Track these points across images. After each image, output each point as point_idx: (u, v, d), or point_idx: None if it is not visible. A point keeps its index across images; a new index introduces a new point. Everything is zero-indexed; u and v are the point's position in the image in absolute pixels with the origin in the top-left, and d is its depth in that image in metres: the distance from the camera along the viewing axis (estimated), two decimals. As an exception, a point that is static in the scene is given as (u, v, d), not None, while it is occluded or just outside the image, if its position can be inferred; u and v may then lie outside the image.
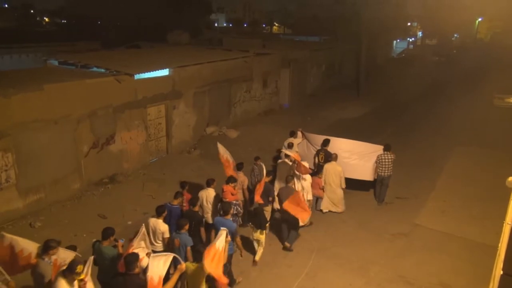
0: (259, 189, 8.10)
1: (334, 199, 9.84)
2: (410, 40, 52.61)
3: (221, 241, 5.49)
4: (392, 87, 24.33)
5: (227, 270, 6.47)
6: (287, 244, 8.23)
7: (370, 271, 7.80)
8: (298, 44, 26.42)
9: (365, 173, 10.36)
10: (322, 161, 10.08)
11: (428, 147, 14.55)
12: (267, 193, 8.36)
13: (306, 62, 22.45)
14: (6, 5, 63.19)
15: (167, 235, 6.63)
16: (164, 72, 12.68)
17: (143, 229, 5.89)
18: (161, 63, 13.10)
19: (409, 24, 47.53)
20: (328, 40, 31.47)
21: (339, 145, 10.30)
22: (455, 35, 57.83)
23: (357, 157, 10.27)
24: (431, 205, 10.45)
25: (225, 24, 72.82)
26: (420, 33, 55.77)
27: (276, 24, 67.82)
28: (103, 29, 31.36)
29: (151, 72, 12.14)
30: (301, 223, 8.60)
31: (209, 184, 7.98)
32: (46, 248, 5.28)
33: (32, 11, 60.95)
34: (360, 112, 19.83)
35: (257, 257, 7.88)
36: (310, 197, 9.00)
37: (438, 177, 12.09)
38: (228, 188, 7.81)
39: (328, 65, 25.72)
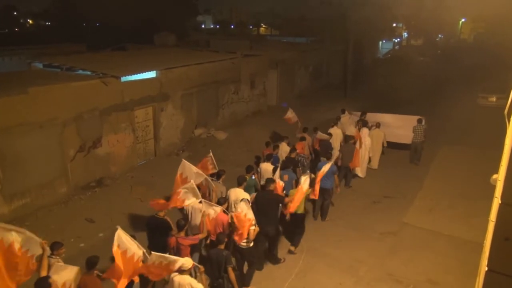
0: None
1: (373, 157, 12.66)
2: (396, 40, 53.17)
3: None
4: (379, 87, 24.59)
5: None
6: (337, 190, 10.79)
7: (359, 270, 7.87)
8: (285, 45, 26.52)
9: (405, 138, 13.35)
10: (360, 127, 12.77)
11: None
12: (327, 148, 11.20)
13: (293, 63, 22.55)
14: (-12, 8, 62.03)
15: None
16: (151, 74, 12.60)
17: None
18: (148, 65, 13.04)
19: (394, 25, 48.02)
20: (315, 41, 31.65)
21: (384, 118, 13.59)
22: (440, 36, 58.63)
23: (398, 126, 13.50)
24: (419, 204, 10.59)
25: (212, 26, 72.49)
26: (406, 33, 56.38)
27: (263, 26, 67.85)
28: (89, 31, 31.00)
29: (138, 74, 12.04)
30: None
31: (283, 139, 11.57)
32: (220, 174, 8.58)
33: (15, 13, 59.90)
34: (347, 112, 19.91)
35: None
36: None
37: (425, 176, 12.26)
38: (300, 144, 11.16)
39: (315, 66, 25.87)
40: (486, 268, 2.67)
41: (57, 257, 5.46)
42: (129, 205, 10.12)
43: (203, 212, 6.97)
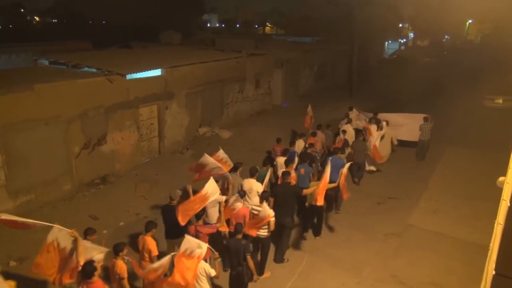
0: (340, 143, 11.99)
1: (382, 152, 12.51)
2: (402, 41, 52.90)
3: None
4: (385, 87, 24.46)
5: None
6: (356, 180, 11.80)
7: (363, 271, 7.84)
8: (290, 45, 26.43)
9: (412, 135, 13.67)
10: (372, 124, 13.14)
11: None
12: (343, 145, 11.56)
13: (298, 62, 22.50)
14: (-4, 5, 62.19)
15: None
16: (156, 72, 12.61)
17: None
18: (153, 63, 13.04)
19: (400, 25, 47.78)
20: (321, 41, 31.55)
21: (392, 117, 13.97)
22: (446, 37, 58.29)
23: (405, 124, 13.95)
24: (423, 205, 10.54)
25: (217, 25, 72.49)
26: (412, 34, 56.08)
27: (269, 25, 67.76)
28: (95, 28, 31.12)
29: (143, 72, 12.06)
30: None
31: (301, 136, 12.04)
32: (237, 167, 8.73)
33: (22, 10, 60.20)
34: (352, 112, 19.84)
35: None
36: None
37: (430, 177, 12.19)
38: (313, 139, 11.66)
39: (320, 65, 25.80)
40: (494, 272, 2.64)
41: (89, 242, 5.91)
42: (133, 202, 10.14)
43: (222, 203, 7.25)
